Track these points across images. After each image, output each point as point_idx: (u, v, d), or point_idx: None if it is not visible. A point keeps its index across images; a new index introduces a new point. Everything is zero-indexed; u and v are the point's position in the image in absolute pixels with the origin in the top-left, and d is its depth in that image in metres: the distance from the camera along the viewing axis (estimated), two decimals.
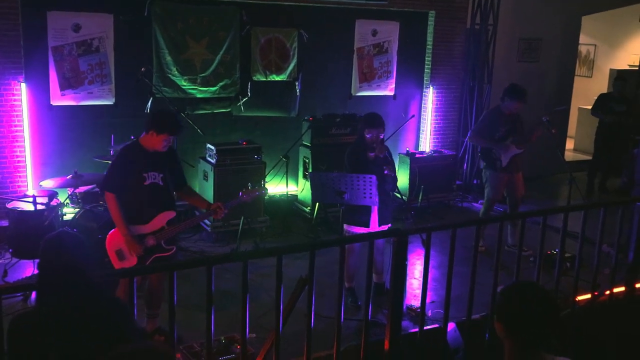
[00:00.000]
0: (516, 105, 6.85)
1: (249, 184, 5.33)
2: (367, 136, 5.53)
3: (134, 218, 4.70)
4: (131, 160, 4.73)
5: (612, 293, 5.06)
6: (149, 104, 7.50)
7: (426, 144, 9.65)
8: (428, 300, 4.70)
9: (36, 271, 5.29)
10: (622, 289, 5.26)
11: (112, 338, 2.75)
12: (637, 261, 5.19)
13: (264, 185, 7.57)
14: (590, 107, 10.20)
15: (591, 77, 13.95)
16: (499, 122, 6.93)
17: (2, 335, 2.84)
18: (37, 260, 4.45)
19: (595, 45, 13.86)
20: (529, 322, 2.41)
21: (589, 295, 5.13)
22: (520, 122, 7.01)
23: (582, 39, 11.84)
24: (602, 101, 9.93)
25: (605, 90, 11.44)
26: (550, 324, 2.43)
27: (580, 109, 12.73)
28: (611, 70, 12.73)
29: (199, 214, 6.30)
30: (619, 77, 10.03)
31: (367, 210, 5.55)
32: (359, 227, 5.59)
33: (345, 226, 5.66)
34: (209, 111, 8.01)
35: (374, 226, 5.58)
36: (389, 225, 5.69)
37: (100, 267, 4.78)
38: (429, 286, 4.27)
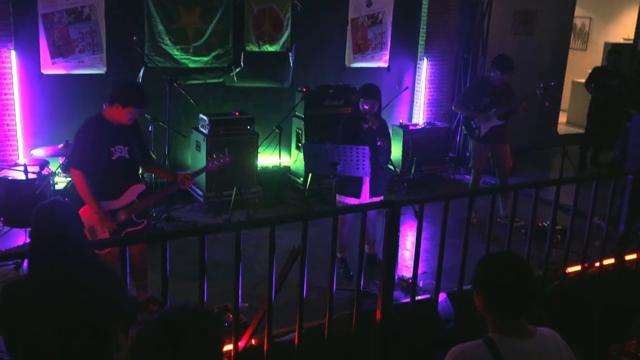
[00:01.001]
0: (500, 76, 6.88)
1: (214, 153, 5.26)
2: (363, 106, 5.51)
3: (104, 193, 4.56)
4: (96, 135, 4.56)
5: (602, 265, 5.10)
6: (141, 73, 7.43)
7: (419, 116, 9.63)
8: (420, 271, 4.72)
9: (28, 240, 5.28)
10: (612, 261, 5.30)
11: (103, 306, 2.76)
12: (627, 234, 5.23)
13: (256, 156, 7.56)
14: (584, 81, 10.18)
15: (585, 50, 13.90)
16: (484, 91, 6.99)
17: None
18: (28, 229, 4.45)
19: (591, 18, 13.79)
20: (507, 292, 2.42)
21: (579, 267, 5.17)
22: (508, 94, 7.01)
23: (577, 11, 11.76)
24: (595, 75, 9.92)
25: (599, 64, 11.42)
26: (528, 294, 2.45)
27: (574, 83, 12.70)
28: (606, 43, 12.67)
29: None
30: (613, 50, 10.01)
31: (359, 181, 5.56)
32: (350, 198, 5.61)
33: (337, 196, 5.67)
34: (202, 81, 7.94)
35: (365, 197, 5.59)
36: (381, 197, 5.70)
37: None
38: (420, 257, 4.29)
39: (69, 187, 5.91)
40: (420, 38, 9.48)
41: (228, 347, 3.68)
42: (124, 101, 4.52)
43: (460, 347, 2.47)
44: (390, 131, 8.71)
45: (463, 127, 7.20)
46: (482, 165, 7.22)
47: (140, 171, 5.09)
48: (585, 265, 5.16)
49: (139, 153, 4.81)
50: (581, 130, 10.86)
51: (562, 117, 12.69)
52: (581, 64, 13.10)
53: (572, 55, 11.99)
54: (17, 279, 2.96)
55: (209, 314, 2.11)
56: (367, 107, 5.49)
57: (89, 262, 2.86)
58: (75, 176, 4.55)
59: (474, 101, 7.01)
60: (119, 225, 4.62)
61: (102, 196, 4.56)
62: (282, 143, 7.98)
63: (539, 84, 7.03)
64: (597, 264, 5.13)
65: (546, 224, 6.28)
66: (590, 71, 10.14)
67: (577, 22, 13.27)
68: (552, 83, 7.03)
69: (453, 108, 7.49)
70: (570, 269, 5.12)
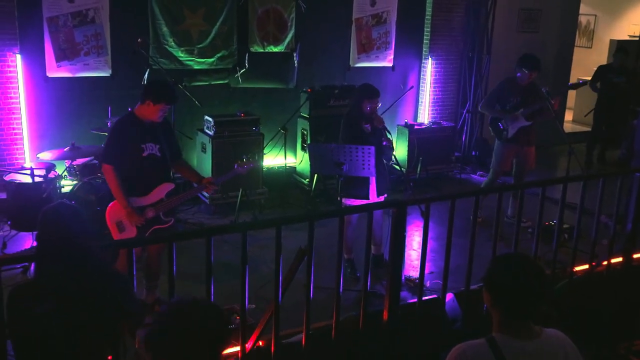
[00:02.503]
0: (527, 74, 6.75)
1: (244, 156, 5.30)
2: (367, 107, 5.48)
3: (133, 190, 4.67)
4: (128, 131, 4.68)
5: (609, 263, 5.08)
6: (146, 75, 7.43)
7: (425, 116, 9.61)
8: (427, 271, 4.72)
9: (35, 243, 5.30)
10: (620, 259, 5.28)
11: (110, 310, 2.75)
12: (635, 232, 5.21)
13: (262, 157, 7.56)
14: (589, 79, 10.14)
15: (591, 47, 13.86)
16: (511, 92, 6.85)
17: (2, 307, 2.85)
18: (35, 233, 4.46)
19: (596, 16, 13.74)
20: (515, 294, 2.41)
21: (586, 266, 5.15)
22: (535, 94, 6.82)
23: (583, 9, 11.73)
24: (601, 73, 9.88)
25: (605, 61, 11.37)
26: (538, 297, 2.44)
27: (579, 80, 12.65)
28: (611, 40, 12.63)
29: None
30: (620, 49, 9.96)
31: (366, 183, 5.54)
32: (357, 200, 5.57)
33: (343, 200, 5.63)
34: (207, 83, 7.95)
35: (373, 198, 5.58)
36: (385, 195, 5.69)
37: (98, 239, 4.80)
38: (427, 257, 4.28)
39: (75, 190, 5.93)
40: (425, 37, 9.47)
41: (235, 349, 3.68)
42: (155, 98, 4.62)
43: (462, 345, 2.45)
44: (396, 130, 8.75)
45: (490, 128, 7.06)
46: (507, 167, 7.06)
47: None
48: (593, 263, 5.14)
49: (169, 151, 4.89)
50: (587, 128, 10.82)
51: (569, 115, 12.65)
52: (587, 61, 13.06)
53: (577, 53, 11.95)
54: (24, 282, 2.96)
55: (216, 309, 2.13)
56: (371, 108, 5.47)
57: (96, 265, 2.86)
58: (106, 171, 4.65)
59: (501, 102, 6.91)
60: (146, 222, 4.69)
61: (131, 192, 4.65)
62: (288, 144, 7.97)
63: (544, 83, 6.99)
64: (605, 263, 5.11)
65: (553, 223, 6.26)
66: (595, 69, 10.10)
67: (582, 19, 13.23)
68: (581, 82, 6.90)
69: (479, 109, 7.38)
70: (578, 268, 5.10)
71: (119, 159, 4.65)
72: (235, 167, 5.09)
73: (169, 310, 2.08)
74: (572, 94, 12.46)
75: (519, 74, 6.81)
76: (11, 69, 6.89)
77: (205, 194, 7.26)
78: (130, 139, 4.67)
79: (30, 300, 2.71)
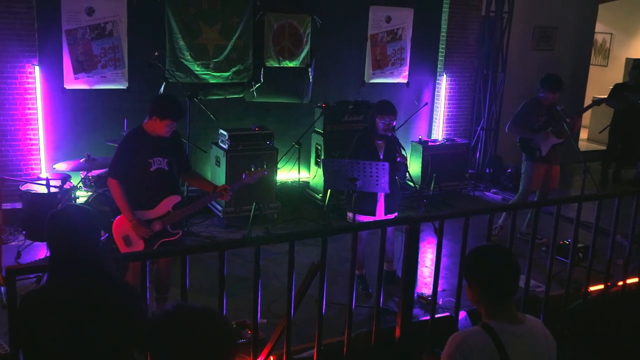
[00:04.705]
0: (551, 95, 6.77)
1: (252, 165, 5.30)
2: (380, 124, 5.49)
3: (140, 203, 4.67)
4: (136, 146, 4.69)
5: (625, 284, 5.03)
6: (162, 88, 7.49)
7: (439, 132, 9.60)
8: (439, 288, 4.68)
9: (49, 253, 5.31)
10: (635, 279, 5.23)
11: (118, 323, 2.71)
12: None
13: (276, 171, 7.57)
14: (605, 97, 10.10)
15: (607, 66, 13.81)
16: (537, 112, 6.84)
17: (16, 317, 2.85)
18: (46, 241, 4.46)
19: (612, 34, 13.70)
20: (496, 278, 2.60)
21: (602, 286, 5.10)
22: (557, 112, 6.82)
23: (598, 27, 11.70)
24: (617, 91, 9.84)
25: (620, 80, 11.33)
26: (515, 276, 2.66)
27: (595, 99, 12.59)
28: (627, 59, 12.59)
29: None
30: (636, 67, 9.92)
31: (374, 199, 5.53)
32: (364, 216, 5.56)
33: (349, 214, 5.61)
34: (222, 97, 7.99)
35: (380, 215, 5.56)
36: (395, 214, 5.67)
37: (109, 249, 4.81)
38: (440, 274, 4.26)
39: (90, 202, 5.96)
40: (440, 54, 9.48)
41: None
42: (162, 114, 4.63)
43: (460, 334, 2.61)
44: (410, 147, 8.74)
45: (521, 149, 7.04)
46: (538, 186, 7.00)
47: (180, 182, 5.12)
48: (609, 284, 5.09)
49: (178, 164, 4.89)
50: (602, 147, 10.76)
51: (583, 134, 12.59)
52: (602, 79, 13.01)
53: (593, 71, 11.91)
54: (34, 289, 2.92)
55: (224, 321, 2.11)
56: (384, 124, 5.47)
57: (107, 276, 2.81)
58: (112, 185, 4.66)
59: (528, 122, 6.90)
60: (154, 235, 4.68)
61: (138, 206, 4.65)
62: (302, 158, 7.99)
63: (559, 101, 6.97)
64: (621, 283, 5.06)
65: (567, 242, 6.21)
66: (611, 87, 10.06)
67: (598, 37, 13.20)
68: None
69: (507, 130, 7.35)
70: (593, 288, 5.05)
71: (126, 173, 4.65)
72: (243, 176, 5.09)
73: (174, 311, 2.05)
74: (587, 113, 12.38)
75: (541, 94, 6.83)
76: (30, 80, 6.97)
77: (218, 207, 7.28)
78: (137, 154, 4.67)
79: (38, 309, 2.67)
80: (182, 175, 5.06)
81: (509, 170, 9.28)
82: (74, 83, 7.23)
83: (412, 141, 8.90)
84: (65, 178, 6.21)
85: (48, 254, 5.27)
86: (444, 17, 9.31)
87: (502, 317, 2.58)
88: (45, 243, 5.92)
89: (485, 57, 9.55)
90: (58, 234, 2.76)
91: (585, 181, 6.59)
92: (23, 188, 6.12)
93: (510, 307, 2.61)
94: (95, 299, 2.68)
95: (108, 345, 2.70)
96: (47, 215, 2.80)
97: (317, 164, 8.12)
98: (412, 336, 4.10)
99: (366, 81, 8.96)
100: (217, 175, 7.47)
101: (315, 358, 3.81)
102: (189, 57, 7.62)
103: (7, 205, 6.25)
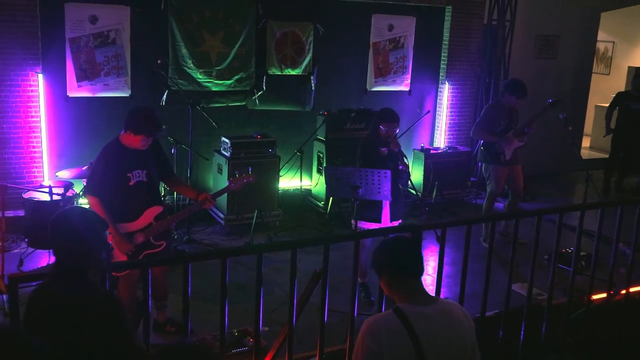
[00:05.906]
0: (516, 100, 7.01)
1: (236, 172, 5.25)
2: (383, 130, 5.50)
3: (121, 217, 4.56)
4: (113, 161, 4.56)
5: (628, 292, 5.01)
6: (165, 96, 7.51)
7: (441, 140, 9.61)
8: (442, 296, 4.67)
9: (52, 260, 5.31)
10: (638, 288, 5.21)
11: (105, 335, 2.63)
12: None
13: (278, 179, 7.58)
14: (607, 105, 10.10)
15: (609, 74, 13.82)
16: (500, 115, 7.08)
17: (19, 323, 2.84)
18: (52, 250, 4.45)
19: (614, 43, 13.72)
20: (403, 261, 2.85)
21: (604, 294, 5.08)
22: (516, 115, 7.18)
23: (600, 35, 11.72)
24: (619, 99, 9.84)
25: (623, 88, 11.32)
26: (418, 257, 2.90)
27: (597, 107, 12.61)
28: (629, 67, 12.59)
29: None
30: (638, 75, 9.92)
31: (379, 206, 5.53)
32: (370, 223, 5.56)
33: (354, 222, 5.60)
34: (224, 104, 8.01)
35: (386, 222, 5.56)
36: (400, 221, 5.67)
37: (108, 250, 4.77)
38: (442, 282, 4.25)
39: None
40: (442, 62, 9.50)
41: None
42: (135, 129, 4.52)
43: (371, 318, 2.76)
44: (412, 155, 8.75)
45: (486, 153, 7.16)
46: (502, 188, 7.31)
47: (163, 193, 5.07)
48: (611, 292, 5.07)
49: (159, 172, 4.80)
50: (605, 155, 10.75)
51: (586, 142, 12.59)
52: (604, 88, 13.02)
53: (595, 80, 11.93)
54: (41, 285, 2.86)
55: (209, 353, 2.11)
56: (387, 131, 5.48)
57: (86, 286, 2.75)
58: (92, 202, 4.56)
59: (492, 126, 7.06)
60: (137, 247, 4.61)
61: (119, 219, 4.55)
62: (304, 166, 8.00)
63: (562, 110, 7.01)
64: (623, 292, 5.04)
65: (570, 250, 6.20)
66: (613, 96, 10.06)
67: (600, 46, 13.21)
68: (561, 115, 7.00)
69: (472, 135, 7.55)
70: (596, 296, 5.03)
71: (104, 189, 4.53)
72: (228, 183, 5.08)
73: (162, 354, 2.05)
74: (589, 121, 12.41)
75: (506, 98, 7.05)
76: (33, 88, 7.00)
77: (220, 214, 7.29)
78: (115, 169, 4.55)
79: (41, 307, 2.65)
80: (164, 181, 4.99)
81: None
82: (77, 91, 7.26)
83: (414, 149, 8.90)
84: (67, 186, 6.22)
85: (52, 261, 5.28)
86: (446, 25, 9.34)
87: (413, 300, 2.77)
88: (47, 251, 5.94)
89: (488, 65, 9.56)
90: (62, 237, 2.75)
91: (588, 189, 6.59)
92: (26, 196, 6.13)
93: (421, 289, 2.82)
94: (71, 307, 2.62)
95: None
96: (50, 219, 2.79)
97: (319, 171, 8.13)
98: None
99: (368, 89, 8.98)
100: (219, 182, 7.47)
101: None
102: (191, 65, 7.64)
103: (9, 213, 6.25)
